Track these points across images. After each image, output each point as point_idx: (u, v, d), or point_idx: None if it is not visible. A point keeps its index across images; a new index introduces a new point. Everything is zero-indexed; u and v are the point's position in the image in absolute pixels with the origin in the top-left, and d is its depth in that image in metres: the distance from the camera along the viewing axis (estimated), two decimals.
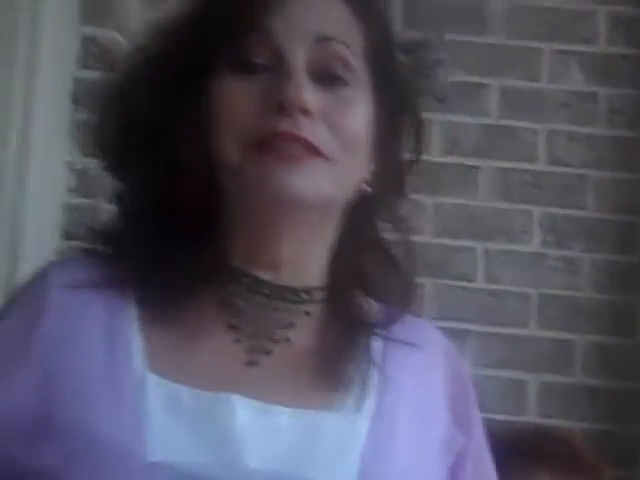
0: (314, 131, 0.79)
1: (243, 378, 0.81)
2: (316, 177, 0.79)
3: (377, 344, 0.87)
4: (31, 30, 1.55)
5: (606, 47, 2.07)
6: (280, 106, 0.78)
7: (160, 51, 0.87)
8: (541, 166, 2.03)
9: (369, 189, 0.87)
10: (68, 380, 0.77)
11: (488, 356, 1.94)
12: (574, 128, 2.05)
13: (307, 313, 0.85)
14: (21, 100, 1.54)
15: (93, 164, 1.77)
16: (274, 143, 0.78)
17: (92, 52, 1.81)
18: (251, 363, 0.82)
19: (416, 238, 1.87)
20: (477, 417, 0.93)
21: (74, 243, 1.74)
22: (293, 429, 0.78)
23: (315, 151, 0.79)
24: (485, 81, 2.04)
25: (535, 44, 2.07)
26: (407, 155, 0.92)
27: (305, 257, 0.86)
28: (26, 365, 0.78)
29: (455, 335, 1.88)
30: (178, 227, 0.83)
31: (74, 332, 0.81)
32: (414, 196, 1.90)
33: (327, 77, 0.82)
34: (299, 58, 0.80)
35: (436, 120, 2.00)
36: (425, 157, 1.85)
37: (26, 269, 1.50)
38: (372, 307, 0.90)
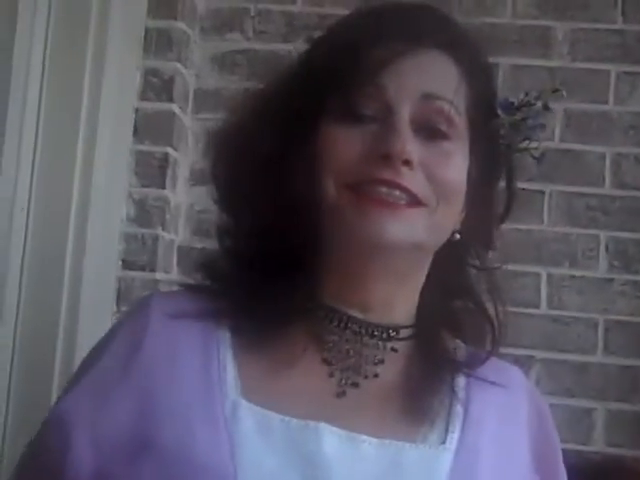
0: (414, 180, 0.84)
1: (331, 408, 0.84)
2: (413, 225, 0.84)
3: (461, 381, 0.92)
4: (95, 62, 1.60)
5: None
6: (384, 156, 0.83)
7: (278, 95, 0.94)
8: (607, 190, 1.99)
9: (458, 236, 0.92)
10: (165, 403, 0.82)
11: (553, 384, 1.90)
12: None
13: (394, 350, 0.90)
14: (85, 129, 1.58)
15: (152, 194, 1.83)
16: (374, 187, 0.83)
17: (153, 84, 1.85)
18: (340, 394, 0.86)
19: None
20: (562, 472, 0.97)
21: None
22: (379, 459, 0.81)
23: (414, 199, 0.84)
24: (549, 104, 2.00)
25: (601, 66, 2.03)
26: (498, 210, 0.99)
27: (394, 299, 0.91)
28: (127, 387, 0.83)
29: (519, 362, 1.85)
30: (276, 263, 0.88)
31: (172, 358, 0.85)
32: None
33: (430, 131, 0.87)
34: (405, 113, 0.85)
35: None
36: None
37: (88, 296, 1.54)
38: (458, 347, 0.95)
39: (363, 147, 0.85)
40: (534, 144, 1.01)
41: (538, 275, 1.95)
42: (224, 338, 0.87)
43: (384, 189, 0.83)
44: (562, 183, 1.99)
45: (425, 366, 0.90)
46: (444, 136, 0.88)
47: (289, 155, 0.89)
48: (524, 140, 0.99)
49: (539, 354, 1.91)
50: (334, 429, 0.81)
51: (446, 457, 0.84)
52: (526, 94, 1.02)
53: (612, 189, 1.99)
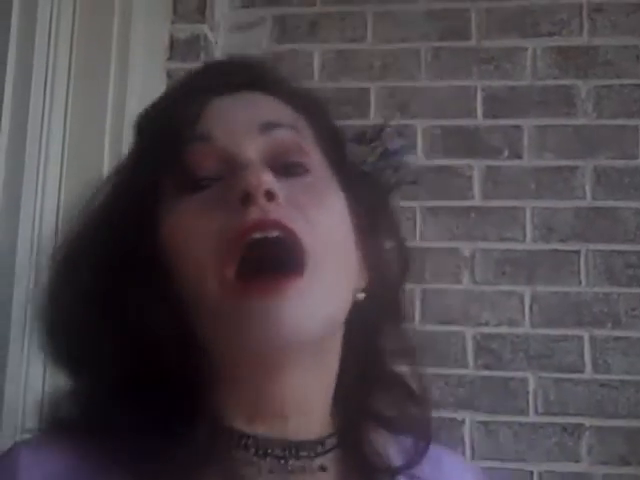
0: (285, 213, 0.67)
1: None
2: (310, 298, 0.66)
3: None
4: None
5: None
6: (243, 199, 0.67)
7: (105, 203, 0.77)
8: None
9: (362, 296, 0.75)
10: None
11: (606, 452, 1.81)
12: None
13: (323, 468, 0.72)
14: None
15: None
16: (249, 243, 0.65)
17: None
18: None
19: (515, 330, 1.80)
20: None
21: None
22: None
23: (293, 240, 0.66)
24: (577, 163, 1.97)
25: (628, 122, 1.99)
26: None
27: (312, 396, 0.72)
28: None
29: (567, 432, 1.78)
30: (156, 401, 0.67)
31: None
32: (512, 287, 1.85)
33: (284, 167, 0.72)
34: (249, 151, 0.70)
35: (528, 206, 1.94)
36: (520, 246, 1.78)
37: None
38: (389, 445, 0.78)
39: (220, 208, 0.67)
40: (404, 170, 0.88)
41: (580, 338, 1.88)
42: None
43: (257, 235, 0.65)
44: (598, 241, 1.93)
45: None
46: (304, 169, 0.72)
47: (136, 272, 0.69)
48: (396, 170, 0.87)
49: (588, 421, 1.82)
50: None
51: None
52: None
53: None
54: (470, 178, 1.98)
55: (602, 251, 1.93)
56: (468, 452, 1.82)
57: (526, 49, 2.06)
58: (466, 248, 1.94)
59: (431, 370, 1.81)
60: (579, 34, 2.05)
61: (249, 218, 0.66)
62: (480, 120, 2.01)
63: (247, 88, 0.76)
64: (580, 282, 1.91)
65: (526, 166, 1.98)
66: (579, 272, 1.92)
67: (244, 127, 0.71)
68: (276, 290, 0.65)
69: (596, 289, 1.90)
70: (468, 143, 2.00)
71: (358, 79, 2.05)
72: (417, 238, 1.95)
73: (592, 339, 1.88)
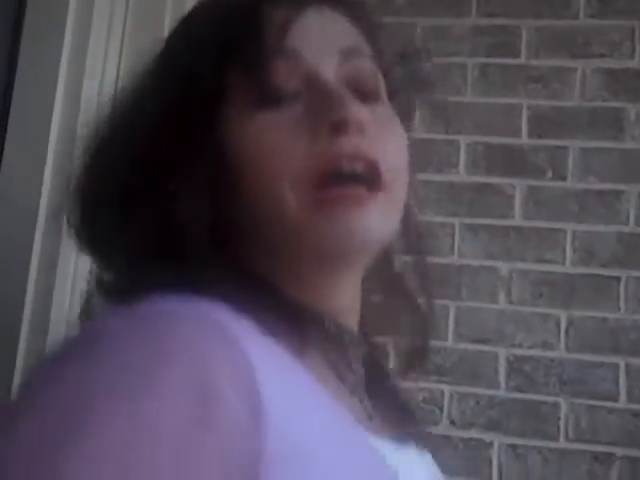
0: (375, 150, 0.68)
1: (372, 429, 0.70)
2: (384, 214, 0.68)
3: None
4: None
5: None
6: (334, 126, 0.66)
7: (150, 90, 0.73)
8: None
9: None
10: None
11: None
12: None
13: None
14: None
15: None
16: (339, 170, 0.66)
17: None
18: (370, 417, 0.72)
19: (549, 353, 1.78)
20: None
21: None
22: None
23: (375, 176, 0.67)
24: (622, 188, 1.94)
25: None
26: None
27: (354, 302, 0.76)
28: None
29: (598, 460, 1.75)
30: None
31: (301, 400, 0.57)
32: (548, 310, 1.82)
33: (362, 96, 0.71)
34: (335, 77, 0.70)
35: (569, 229, 1.92)
36: (559, 268, 1.76)
37: None
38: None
39: (301, 129, 0.66)
40: None
41: (616, 366, 1.85)
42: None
43: (346, 168, 0.65)
44: (638, 268, 1.90)
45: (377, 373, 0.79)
46: (376, 98, 0.73)
47: (185, 169, 0.67)
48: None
49: (620, 451, 1.79)
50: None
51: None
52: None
53: None
54: (511, 197, 1.96)
55: None
56: (495, 475, 1.80)
57: (575, 69, 2.03)
58: (504, 267, 1.92)
59: (462, 389, 1.82)
60: (630, 57, 2.03)
61: (343, 149, 0.66)
62: (525, 139, 1.99)
63: (327, 4, 0.73)
64: (619, 308, 1.88)
65: (569, 188, 1.95)
66: (618, 298, 1.88)
67: (330, 49, 0.71)
68: (358, 202, 0.66)
69: (635, 316, 1.87)
70: (511, 162, 1.98)
71: None
72: (455, 255, 1.94)
73: (628, 367, 1.84)
